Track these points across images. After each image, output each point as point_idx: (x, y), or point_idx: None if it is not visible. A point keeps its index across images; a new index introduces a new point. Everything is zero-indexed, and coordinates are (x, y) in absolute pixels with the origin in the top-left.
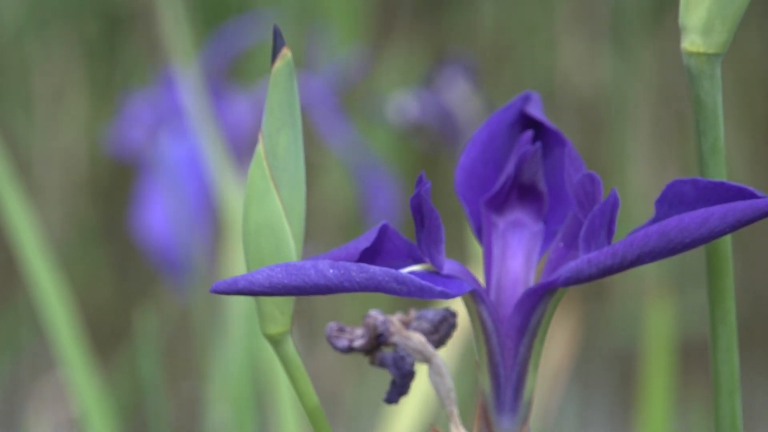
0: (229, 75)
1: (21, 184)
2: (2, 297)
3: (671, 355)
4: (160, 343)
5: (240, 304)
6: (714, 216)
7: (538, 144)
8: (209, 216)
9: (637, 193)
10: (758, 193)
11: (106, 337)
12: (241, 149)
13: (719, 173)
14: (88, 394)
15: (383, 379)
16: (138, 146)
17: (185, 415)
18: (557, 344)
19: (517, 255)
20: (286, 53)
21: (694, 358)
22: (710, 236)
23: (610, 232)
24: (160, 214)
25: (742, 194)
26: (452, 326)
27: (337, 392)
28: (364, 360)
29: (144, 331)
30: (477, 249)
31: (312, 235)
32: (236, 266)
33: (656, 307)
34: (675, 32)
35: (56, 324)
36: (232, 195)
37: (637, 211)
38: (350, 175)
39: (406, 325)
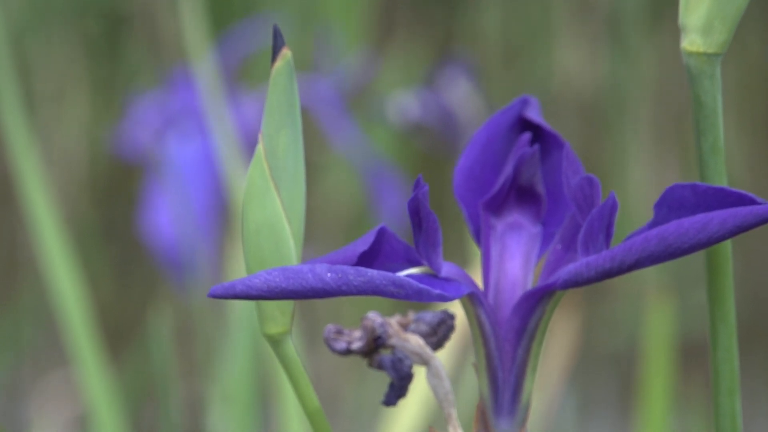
0: (237, 77)
1: (44, 179)
2: (4, 296)
3: (671, 356)
4: (170, 342)
5: (243, 304)
6: (713, 221)
7: (537, 146)
8: (216, 217)
9: (637, 193)
10: (758, 199)
11: (106, 337)
12: (249, 151)
13: (719, 173)
14: (99, 391)
15: (383, 380)
16: (144, 147)
17: (188, 415)
18: (559, 347)
19: (515, 257)
20: (285, 53)
21: (693, 358)
22: (709, 242)
23: (608, 236)
24: (166, 216)
25: (742, 200)
26: (450, 329)
27: (338, 392)
28: (363, 362)
29: (155, 330)
30: (478, 251)
31: (313, 235)
32: (243, 265)
33: (656, 308)
34: (674, 32)
35: (71, 320)
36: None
37: (636, 211)
38: (358, 177)
39: (405, 327)
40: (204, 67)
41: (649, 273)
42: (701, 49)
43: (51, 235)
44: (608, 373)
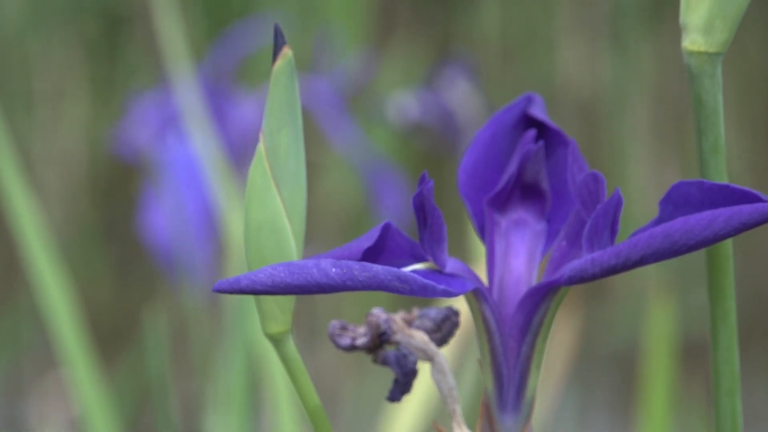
0: (235, 77)
1: (26, 183)
2: (4, 296)
3: (672, 355)
4: (166, 343)
5: (239, 304)
6: (719, 219)
7: (541, 143)
8: (212, 217)
9: (637, 193)
10: (763, 196)
11: (105, 337)
12: (247, 150)
13: (719, 172)
14: (91, 393)
15: (383, 378)
16: (143, 147)
17: (185, 415)
18: (559, 347)
19: (519, 254)
20: (287, 52)
21: (694, 357)
22: (715, 239)
23: (613, 232)
24: (163, 216)
25: (747, 198)
26: (455, 325)
27: (338, 391)
28: (364, 359)
29: (152, 330)
30: (479, 249)
31: (313, 234)
32: (238, 268)
33: (657, 307)
34: (674, 32)
35: (59, 323)
36: (230, 199)
37: (636, 210)
38: (357, 176)
39: (409, 323)
40: (185, 74)
41: (650, 272)
42: (702, 49)
43: (36, 241)
44: (608, 373)
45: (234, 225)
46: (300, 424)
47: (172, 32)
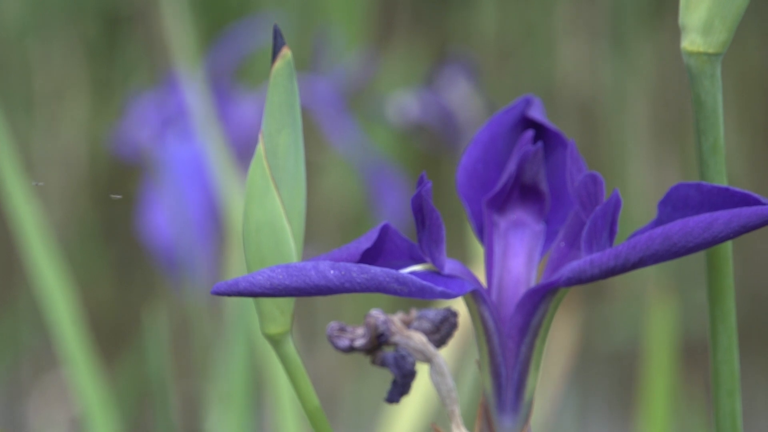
0: (234, 77)
1: (25, 183)
2: (3, 297)
3: (672, 355)
4: (167, 343)
5: (240, 304)
6: (718, 221)
7: (540, 144)
8: (212, 217)
9: (637, 193)
10: (762, 199)
11: (105, 336)
12: (247, 151)
13: (719, 173)
14: (91, 393)
15: (383, 378)
16: (142, 147)
17: (185, 415)
18: (559, 347)
19: (518, 255)
20: (286, 53)
21: (694, 358)
22: (714, 241)
23: (612, 233)
24: (163, 216)
25: (747, 200)
26: (453, 326)
27: (337, 392)
28: (363, 360)
29: (152, 330)
30: (478, 249)
31: (313, 234)
32: (239, 267)
33: (657, 307)
34: (674, 32)
35: (60, 322)
36: (235, 196)
37: (636, 211)
38: (358, 177)
39: (407, 324)
40: (193, 72)
41: (650, 272)
42: (701, 49)
43: (36, 241)
44: (608, 373)
45: (237, 222)
46: (301, 424)
47: (179, 30)
